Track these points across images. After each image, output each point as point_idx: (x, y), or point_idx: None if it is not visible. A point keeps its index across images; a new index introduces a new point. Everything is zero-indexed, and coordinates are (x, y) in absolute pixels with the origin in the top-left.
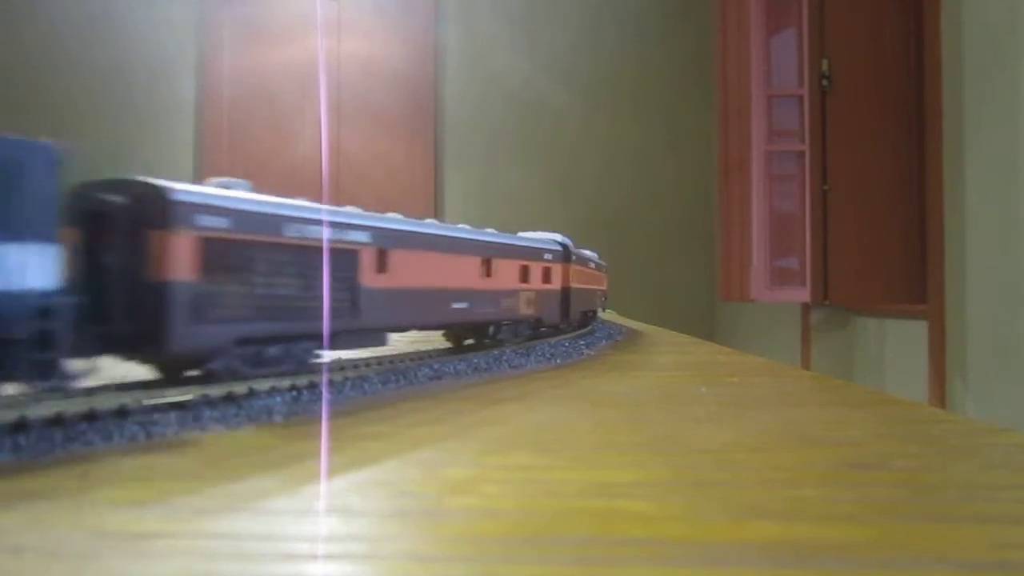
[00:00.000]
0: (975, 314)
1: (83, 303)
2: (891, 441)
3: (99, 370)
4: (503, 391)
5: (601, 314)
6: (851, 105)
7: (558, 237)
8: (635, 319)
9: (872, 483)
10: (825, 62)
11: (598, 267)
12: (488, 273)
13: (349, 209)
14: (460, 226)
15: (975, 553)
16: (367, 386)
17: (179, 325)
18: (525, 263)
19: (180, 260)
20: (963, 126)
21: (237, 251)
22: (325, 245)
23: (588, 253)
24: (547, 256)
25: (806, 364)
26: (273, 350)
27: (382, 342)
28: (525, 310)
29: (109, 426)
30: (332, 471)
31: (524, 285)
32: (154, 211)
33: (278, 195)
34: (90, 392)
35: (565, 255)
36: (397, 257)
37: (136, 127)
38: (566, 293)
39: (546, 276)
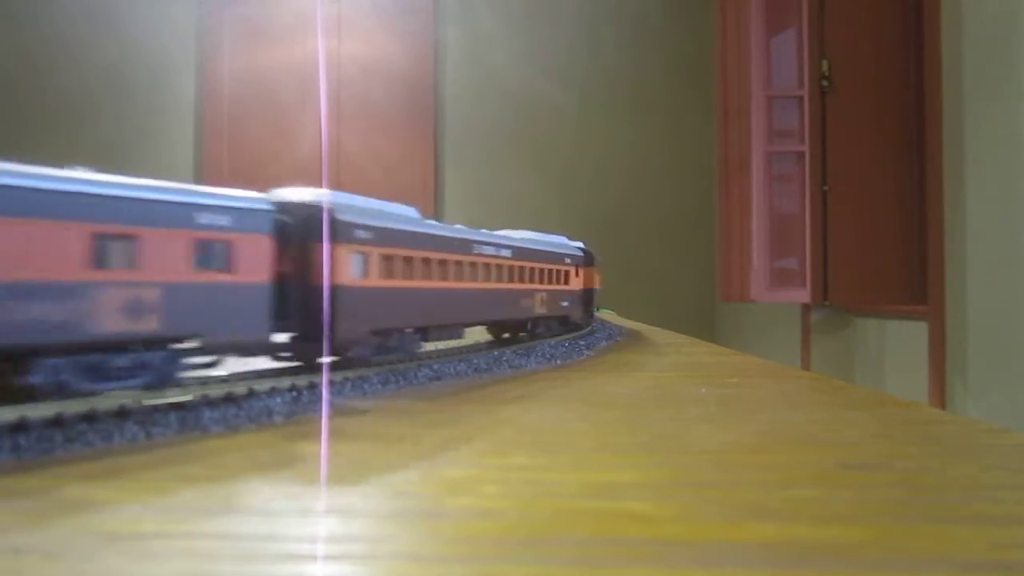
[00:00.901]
0: (975, 315)
1: None
2: (891, 442)
3: None
4: (503, 392)
5: (577, 320)
6: (851, 105)
7: (335, 198)
8: (635, 319)
9: (872, 484)
10: (825, 63)
11: (542, 257)
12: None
13: None
14: None
15: (975, 553)
16: (367, 386)
17: None
18: (146, 232)
19: None
20: (963, 126)
21: None
22: None
23: (518, 235)
24: (229, 224)
25: (806, 365)
26: None
27: None
28: (127, 325)
29: (109, 427)
30: (332, 471)
31: (131, 277)
32: None
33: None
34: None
35: (310, 224)
36: None
37: (136, 127)
38: (321, 293)
39: (248, 262)
